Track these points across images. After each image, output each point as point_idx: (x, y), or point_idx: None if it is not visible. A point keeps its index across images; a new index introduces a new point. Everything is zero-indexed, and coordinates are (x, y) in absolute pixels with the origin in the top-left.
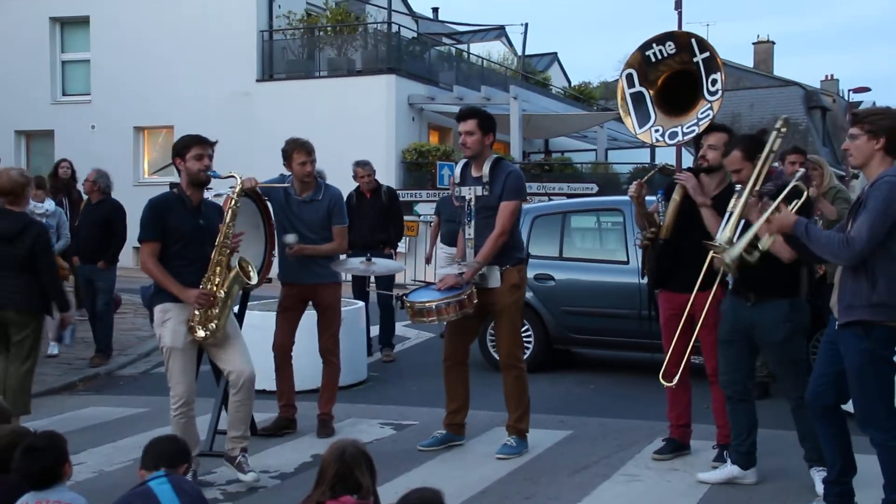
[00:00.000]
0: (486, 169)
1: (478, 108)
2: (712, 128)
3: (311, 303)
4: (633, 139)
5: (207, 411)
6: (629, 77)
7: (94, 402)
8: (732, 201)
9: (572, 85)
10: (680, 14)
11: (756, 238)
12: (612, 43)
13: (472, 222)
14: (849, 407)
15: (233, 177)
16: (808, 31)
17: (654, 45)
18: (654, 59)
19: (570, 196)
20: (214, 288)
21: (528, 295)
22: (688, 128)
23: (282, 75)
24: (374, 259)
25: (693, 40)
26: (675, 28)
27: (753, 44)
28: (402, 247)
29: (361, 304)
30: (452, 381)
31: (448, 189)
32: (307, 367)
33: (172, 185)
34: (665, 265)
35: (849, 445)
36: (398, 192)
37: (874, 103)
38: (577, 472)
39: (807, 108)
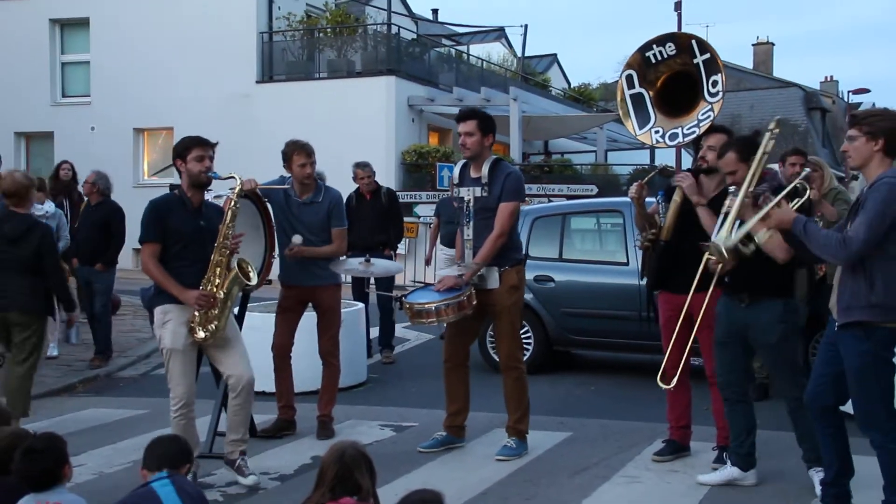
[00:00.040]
0: (485, 170)
1: (477, 109)
2: (712, 129)
3: (310, 304)
4: (633, 140)
5: (207, 413)
6: (629, 78)
7: (94, 403)
8: (727, 201)
9: (572, 86)
10: (679, 15)
11: (754, 231)
12: (611, 44)
13: (471, 223)
14: (847, 408)
15: (233, 178)
16: (808, 33)
17: (654, 46)
18: (653, 61)
19: (569, 197)
20: (214, 289)
21: (528, 296)
22: (688, 129)
23: (281, 77)
24: (372, 260)
25: (693, 42)
26: (675, 29)
27: (753, 45)
28: (401, 248)
29: (361, 305)
30: (453, 382)
31: (448, 190)
32: (307, 368)
33: (172, 186)
34: (666, 266)
35: (847, 447)
36: (398, 193)
37: (874, 104)
38: (577, 474)
39: (806, 110)
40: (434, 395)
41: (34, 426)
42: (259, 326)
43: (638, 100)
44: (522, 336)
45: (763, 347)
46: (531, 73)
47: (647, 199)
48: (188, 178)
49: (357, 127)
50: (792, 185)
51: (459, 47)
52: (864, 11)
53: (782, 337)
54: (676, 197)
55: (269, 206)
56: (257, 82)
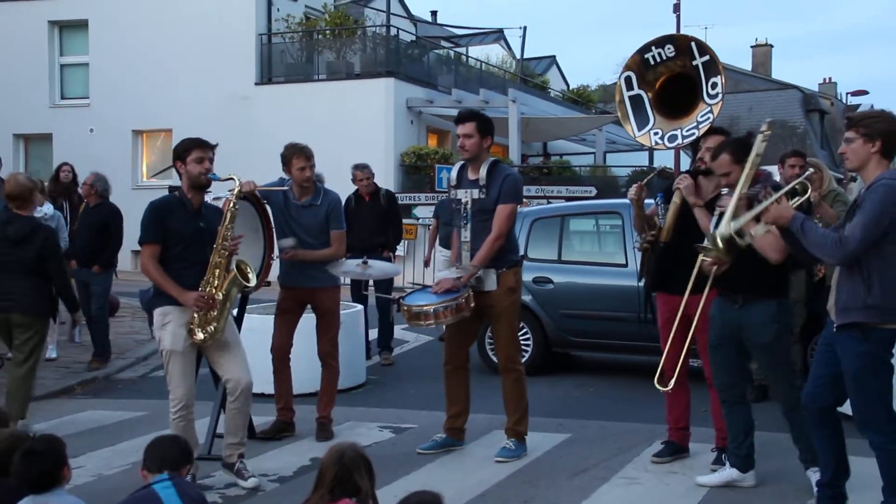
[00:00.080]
0: (482, 172)
1: (476, 111)
2: (711, 131)
3: (309, 306)
4: (632, 142)
5: (206, 414)
6: (628, 80)
7: (93, 405)
8: (720, 201)
9: (571, 88)
10: (678, 17)
11: (747, 228)
12: (610, 46)
13: (469, 225)
14: (845, 409)
15: (232, 179)
16: (807, 35)
17: (652, 48)
18: (652, 62)
19: (568, 199)
20: (213, 290)
21: (527, 298)
22: (687, 131)
23: (280, 79)
24: (370, 262)
25: (693, 43)
26: (674, 31)
27: (752, 47)
28: (400, 250)
29: (360, 307)
30: (453, 384)
31: (447, 192)
32: (306, 370)
33: (172, 188)
34: (665, 268)
35: (843, 448)
36: (397, 195)
37: (872, 106)
38: (576, 476)
39: (805, 112)
40: (433, 397)
41: (38, 427)
42: (258, 328)
43: (637, 101)
44: (521, 338)
45: (757, 348)
46: (530, 75)
47: (646, 201)
48: (188, 179)
49: (356, 129)
50: (795, 182)
51: (458, 49)
52: (863, 13)
53: (776, 337)
54: (676, 198)
55: (267, 207)
56: (256, 84)
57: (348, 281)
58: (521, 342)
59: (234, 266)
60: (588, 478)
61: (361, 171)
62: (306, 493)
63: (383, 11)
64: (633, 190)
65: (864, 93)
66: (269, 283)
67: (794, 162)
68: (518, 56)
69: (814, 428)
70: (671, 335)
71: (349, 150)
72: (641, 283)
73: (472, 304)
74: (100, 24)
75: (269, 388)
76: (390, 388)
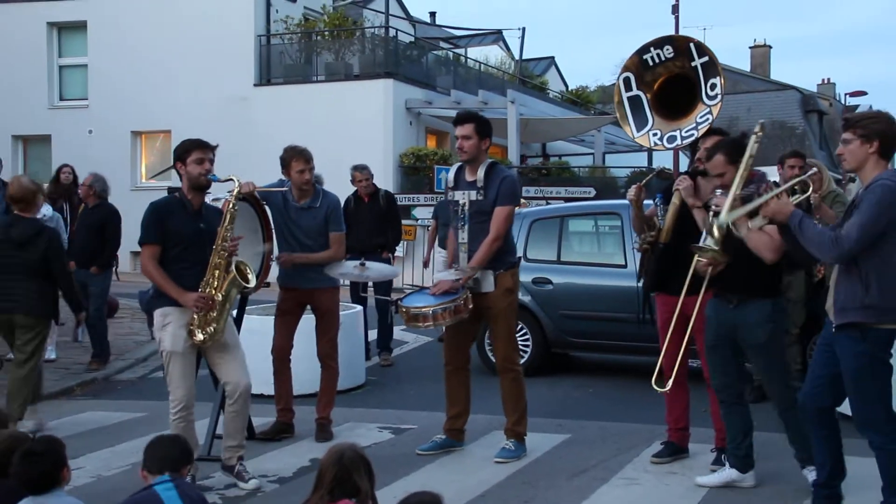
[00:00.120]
0: (480, 173)
1: (475, 112)
2: (710, 131)
3: (309, 307)
4: (631, 143)
5: (206, 415)
6: (626, 81)
7: (92, 406)
8: (714, 201)
9: (569, 89)
10: (677, 18)
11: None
12: (609, 47)
13: (466, 227)
14: (845, 409)
15: (232, 180)
16: (805, 36)
17: (651, 49)
18: (651, 63)
19: (567, 200)
20: (213, 291)
21: (527, 299)
22: (686, 132)
23: (279, 80)
24: (367, 264)
25: (692, 45)
26: (673, 32)
27: (750, 48)
28: (399, 251)
29: (360, 308)
30: (454, 385)
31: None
32: (305, 371)
33: (171, 189)
34: (665, 268)
35: (840, 449)
36: (396, 196)
37: (870, 107)
38: (576, 476)
39: (804, 112)
40: (432, 398)
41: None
42: (258, 329)
43: (636, 102)
44: (521, 338)
45: (752, 348)
46: (529, 76)
47: (645, 202)
48: (188, 180)
49: (355, 130)
50: (798, 179)
51: (457, 50)
52: (861, 14)
53: (771, 336)
54: (675, 199)
55: (267, 208)
56: (255, 85)
57: (347, 282)
58: (521, 343)
59: (233, 267)
60: (587, 478)
61: (360, 172)
62: (306, 494)
63: (382, 12)
64: (632, 191)
65: (863, 93)
66: (268, 284)
67: (793, 163)
68: (517, 57)
69: (812, 428)
70: (674, 335)
71: (348, 151)
72: (640, 284)
73: (471, 306)
74: (98, 26)
75: (269, 389)
76: (390, 389)
